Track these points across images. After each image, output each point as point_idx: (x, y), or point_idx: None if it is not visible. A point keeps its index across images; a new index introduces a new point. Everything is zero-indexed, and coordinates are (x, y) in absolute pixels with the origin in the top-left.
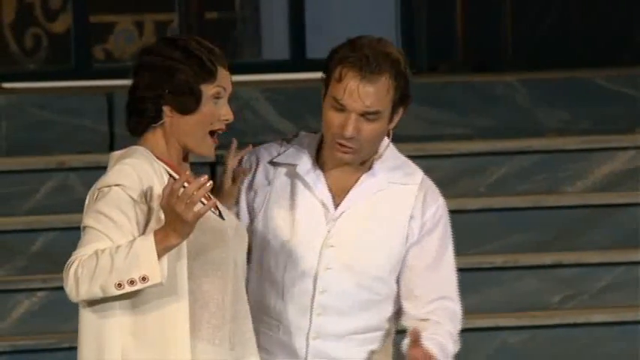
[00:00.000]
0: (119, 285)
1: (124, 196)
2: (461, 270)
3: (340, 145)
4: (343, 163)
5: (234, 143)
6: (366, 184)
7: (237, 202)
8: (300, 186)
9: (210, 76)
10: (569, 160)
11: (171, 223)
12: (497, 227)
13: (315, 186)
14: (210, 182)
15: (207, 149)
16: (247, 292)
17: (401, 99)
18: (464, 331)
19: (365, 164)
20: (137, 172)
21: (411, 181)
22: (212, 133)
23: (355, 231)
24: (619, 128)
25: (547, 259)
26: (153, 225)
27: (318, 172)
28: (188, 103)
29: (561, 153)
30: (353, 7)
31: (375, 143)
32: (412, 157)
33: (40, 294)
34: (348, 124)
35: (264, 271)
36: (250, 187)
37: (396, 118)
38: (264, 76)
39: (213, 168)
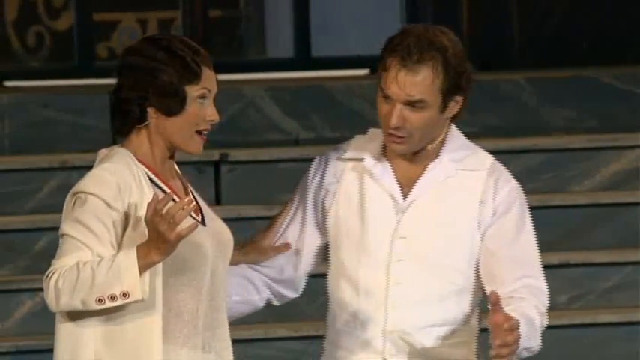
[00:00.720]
0: (100, 300)
1: (101, 205)
2: None
3: (390, 135)
4: (400, 153)
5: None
6: (434, 173)
7: (304, 211)
8: (368, 179)
9: (194, 77)
10: (575, 159)
11: (154, 241)
12: None
13: (383, 178)
14: (194, 204)
15: (195, 147)
16: (328, 290)
17: (453, 88)
18: None
19: (431, 154)
20: (115, 179)
21: (480, 167)
22: (198, 132)
23: (425, 220)
24: (626, 127)
25: (554, 258)
26: (129, 233)
27: (386, 163)
28: (173, 105)
29: (568, 152)
30: (358, 6)
31: (427, 132)
32: None
33: (43, 294)
34: (393, 113)
35: (340, 267)
36: (320, 186)
37: (454, 107)
38: (268, 75)
39: (217, 167)
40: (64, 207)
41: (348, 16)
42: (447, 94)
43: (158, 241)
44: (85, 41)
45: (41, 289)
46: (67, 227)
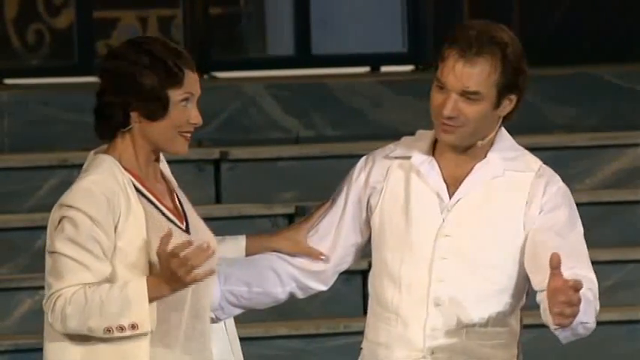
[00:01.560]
0: (108, 330)
1: (90, 224)
2: None
3: (442, 124)
4: (450, 147)
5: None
6: (481, 172)
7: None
8: (414, 177)
9: (176, 81)
10: (577, 157)
11: (166, 278)
12: None
13: (429, 175)
14: (213, 250)
15: (179, 147)
16: (369, 289)
17: (508, 85)
18: None
19: (479, 153)
20: (104, 192)
21: (527, 169)
22: (182, 133)
23: (470, 219)
24: (628, 125)
25: None
26: (120, 245)
27: (433, 162)
28: (155, 110)
29: (570, 150)
30: (359, 3)
31: (479, 126)
32: None
33: (43, 292)
34: (447, 103)
35: (383, 264)
36: (366, 185)
37: (507, 106)
38: (268, 72)
39: (217, 164)
40: (50, 219)
41: (348, 14)
42: (502, 91)
43: (171, 279)
44: (85, 39)
45: (41, 288)
46: (60, 246)
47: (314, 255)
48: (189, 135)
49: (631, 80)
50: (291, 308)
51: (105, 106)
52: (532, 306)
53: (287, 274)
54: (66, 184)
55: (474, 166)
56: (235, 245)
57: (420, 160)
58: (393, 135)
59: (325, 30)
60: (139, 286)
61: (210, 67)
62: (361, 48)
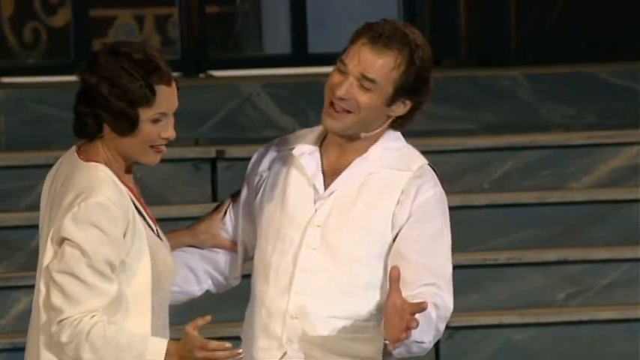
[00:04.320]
0: None
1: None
2: (465, 266)
3: (330, 106)
4: (335, 138)
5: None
6: (359, 167)
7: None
8: (293, 168)
9: (147, 102)
10: (574, 156)
11: (183, 355)
12: (502, 223)
13: (308, 166)
14: (241, 354)
15: (149, 159)
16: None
17: (406, 88)
18: (468, 328)
19: (362, 148)
20: (119, 210)
21: (406, 168)
22: (153, 147)
23: (342, 213)
24: (625, 123)
25: (552, 255)
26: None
27: (315, 154)
28: (123, 127)
29: (566, 148)
30: (355, 2)
31: (366, 117)
32: None
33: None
34: (343, 85)
35: (258, 254)
36: (256, 173)
37: (400, 109)
38: (265, 71)
39: (213, 163)
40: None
41: (345, 13)
42: (398, 91)
43: (187, 358)
44: (81, 38)
45: None
46: (76, 267)
47: (227, 246)
48: (162, 147)
49: (628, 79)
50: None
51: (79, 113)
52: (530, 305)
53: (203, 272)
54: None
55: (353, 160)
56: None
57: (301, 151)
58: None
59: (322, 29)
60: (158, 348)
61: (206, 66)
62: None
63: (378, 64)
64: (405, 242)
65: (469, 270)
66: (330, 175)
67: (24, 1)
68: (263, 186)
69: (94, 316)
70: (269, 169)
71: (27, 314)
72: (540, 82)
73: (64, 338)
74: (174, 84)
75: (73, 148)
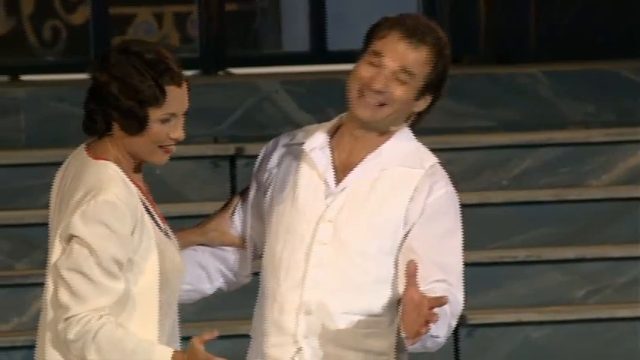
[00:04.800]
0: None
1: (115, 240)
2: (483, 264)
3: (362, 98)
4: (349, 134)
5: None
6: (371, 163)
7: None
8: (304, 163)
9: (156, 102)
10: (593, 153)
11: None
12: (520, 221)
13: (319, 162)
14: None
15: (158, 159)
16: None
17: (433, 83)
18: (486, 326)
19: (375, 144)
20: (128, 208)
21: (418, 166)
22: (162, 146)
23: (353, 208)
24: None
25: (570, 253)
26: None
27: (326, 149)
28: (132, 127)
29: (585, 146)
30: None
31: (398, 110)
32: (434, 150)
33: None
34: (379, 77)
35: (268, 250)
36: (265, 169)
37: (421, 103)
38: (284, 69)
39: (232, 161)
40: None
41: (363, 10)
42: (427, 85)
43: None
44: (100, 35)
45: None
46: (84, 264)
47: (237, 244)
48: (170, 147)
49: None
50: None
51: (89, 111)
52: (548, 302)
53: (215, 270)
54: None
55: (366, 155)
56: None
57: (312, 146)
58: None
59: (341, 26)
60: (164, 356)
61: (225, 64)
62: None
63: (416, 58)
64: (416, 239)
65: (487, 268)
66: (341, 170)
67: None
68: (272, 182)
69: (102, 316)
70: (278, 165)
71: None
72: (559, 80)
73: (70, 336)
74: (184, 85)
75: (82, 145)
